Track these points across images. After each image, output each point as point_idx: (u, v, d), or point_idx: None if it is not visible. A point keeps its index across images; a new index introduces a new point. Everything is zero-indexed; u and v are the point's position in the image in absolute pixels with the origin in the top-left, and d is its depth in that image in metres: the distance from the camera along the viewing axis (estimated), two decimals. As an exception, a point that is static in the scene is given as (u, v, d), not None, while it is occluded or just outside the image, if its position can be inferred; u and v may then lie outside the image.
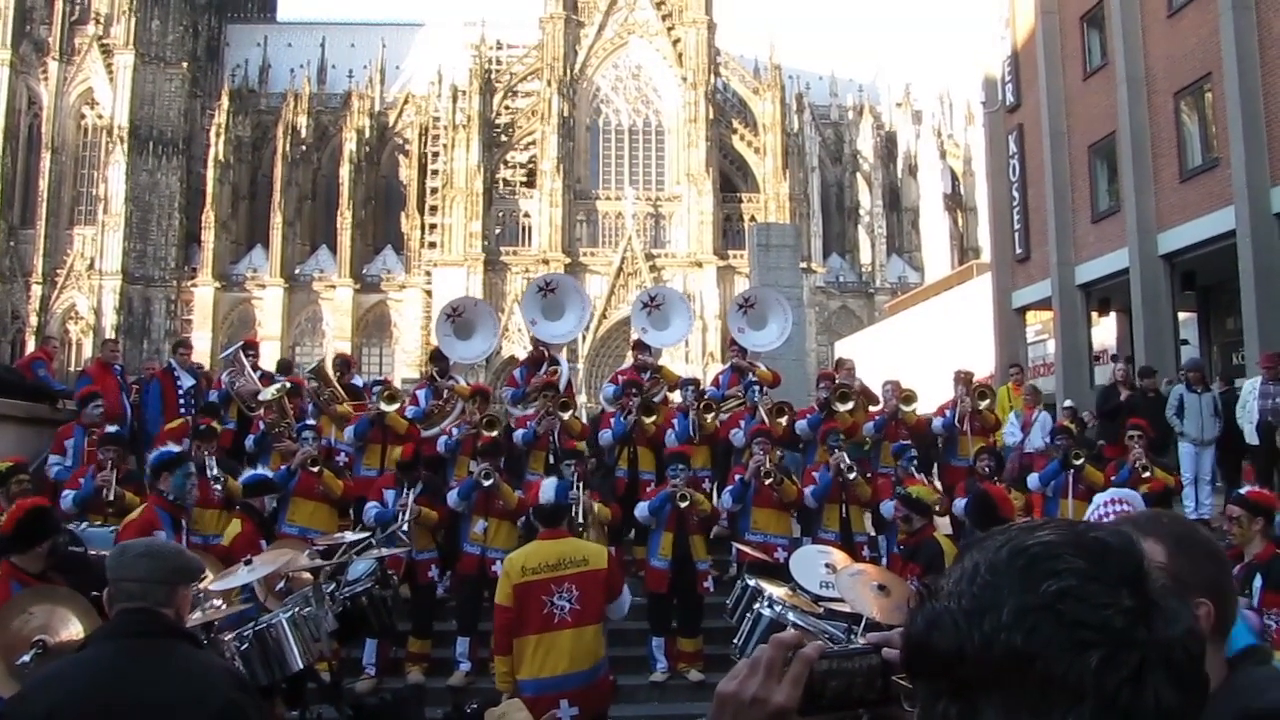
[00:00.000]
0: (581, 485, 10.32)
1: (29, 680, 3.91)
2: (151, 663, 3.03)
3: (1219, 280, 20.25)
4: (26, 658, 4.75)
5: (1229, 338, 21.59)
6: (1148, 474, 11.49)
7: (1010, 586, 1.06)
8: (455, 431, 11.78)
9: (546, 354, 13.61)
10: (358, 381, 14.77)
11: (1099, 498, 6.12)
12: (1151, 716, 1.01)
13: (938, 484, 12.49)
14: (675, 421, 12.47)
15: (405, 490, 10.34)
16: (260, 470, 10.49)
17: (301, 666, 6.46)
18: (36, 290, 73.78)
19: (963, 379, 13.37)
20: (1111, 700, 1.00)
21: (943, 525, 10.99)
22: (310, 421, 11.90)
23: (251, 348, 14.37)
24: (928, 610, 1.12)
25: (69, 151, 77.04)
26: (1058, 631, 1.02)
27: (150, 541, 4.48)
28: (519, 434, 11.93)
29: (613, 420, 12.57)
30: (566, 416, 12.06)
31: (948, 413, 13.12)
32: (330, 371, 13.70)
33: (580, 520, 9.88)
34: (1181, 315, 21.53)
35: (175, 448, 9.27)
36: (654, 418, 12.15)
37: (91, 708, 2.83)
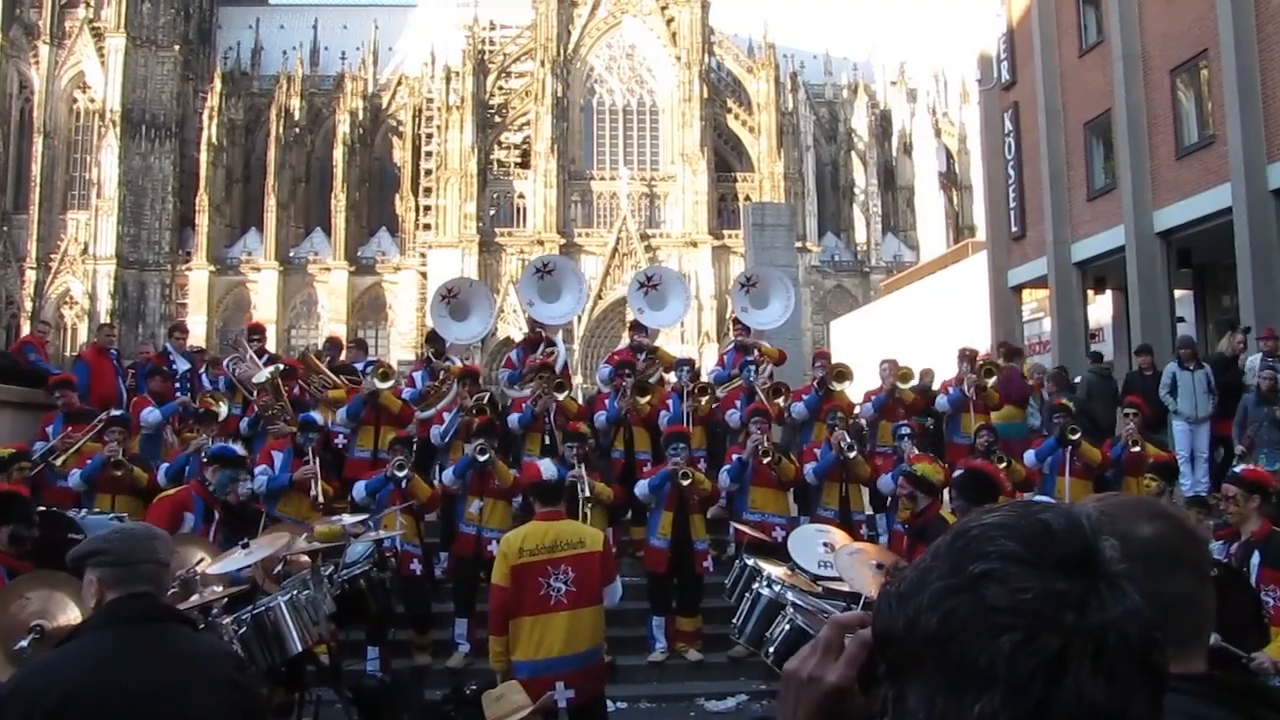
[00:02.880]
0: (584, 466, 10.34)
1: (28, 666, 3.89)
2: (156, 647, 3.00)
3: (1215, 258, 20.24)
4: (24, 643, 4.74)
5: (1225, 315, 21.60)
6: (1138, 449, 11.50)
7: (940, 569, 1.05)
8: (447, 418, 11.76)
9: (543, 335, 13.61)
10: (361, 365, 14.72)
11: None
12: (1074, 710, 0.96)
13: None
14: (669, 403, 12.49)
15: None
16: (229, 445, 10.41)
17: (300, 649, 6.45)
18: (31, 275, 73.61)
19: (968, 356, 13.38)
20: (1024, 687, 0.96)
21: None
22: (314, 415, 11.80)
23: (256, 331, 14.42)
24: (879, 593, 1.13)
25: (61, 136, 76.76)
26: (975, 614, 0.99)
27: (148, 525, 4.47)
28: (514, 417, 11.93)
29: (607, 402, 12.57)
30: (562, 397, 12.07)
31: (952, 389, 13.14)
32: (316, 359, 13.70)
33: (587, 498, 9.90)
34: (1177, 293, 21.52)
35: (240, 449, 9.87)
36: (648, 398, 12.16)
37: (100, 693, 2.81)
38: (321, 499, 10.39)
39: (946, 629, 1.01)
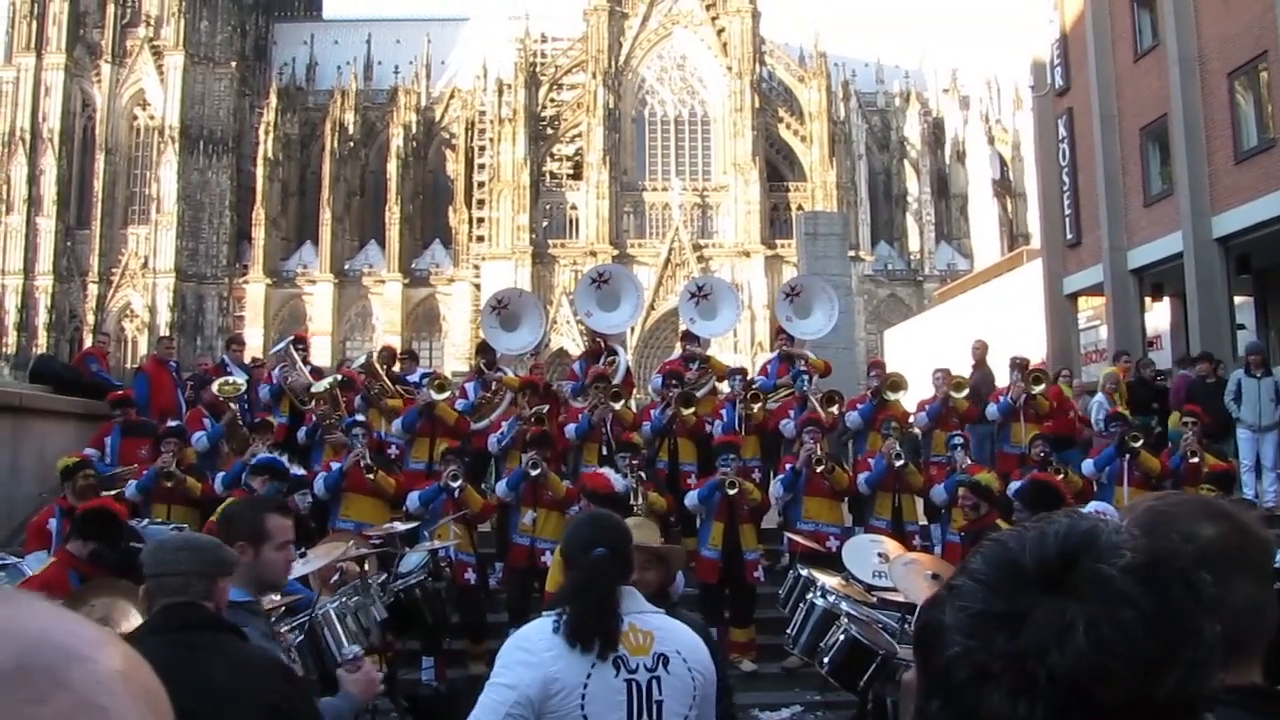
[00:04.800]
0: (639, 476, 10.35)
1: None
2: (200, 656, 3.02)
3: (1276, 263, 19.90)
4: None
5: (1288, 322, 21.26)
6: (1196, 459, 11.34)
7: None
8: (505, 426, 11.83)
9: (604, 345, 13.62)
10: (415, 377, 14.84)
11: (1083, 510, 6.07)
12: None
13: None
14: (723, 412, 12.47)
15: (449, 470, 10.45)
16: (275, 456, 10.59)
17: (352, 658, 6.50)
18: (93, 289, 75.05)
19: (1019, 365, 13.26)
20: (957, 695, 1.01)
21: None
22: (359, 417, 11.99)
23: (301, 342, 14.55)
24: None
25: (122, 152, 78.19)
26: (935, 628, 1.05)
27: (188, 535, 4.53)
28: (571, 427, 11.94)
29: (652, 413, 12.57)
30: (619, 407, 12.08)
31: (1003, 399, 13.02)
32: (378, 365, 13.82)
33: (635, 508, 9.89)
34: (1237, 299, 21.17)
35: (297, 468, 10.06)
36: (692, 409, 12.12)
37: None
38: (370, 465, 10.68)
39: (919, 637, 1.09)
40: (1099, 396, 14.30)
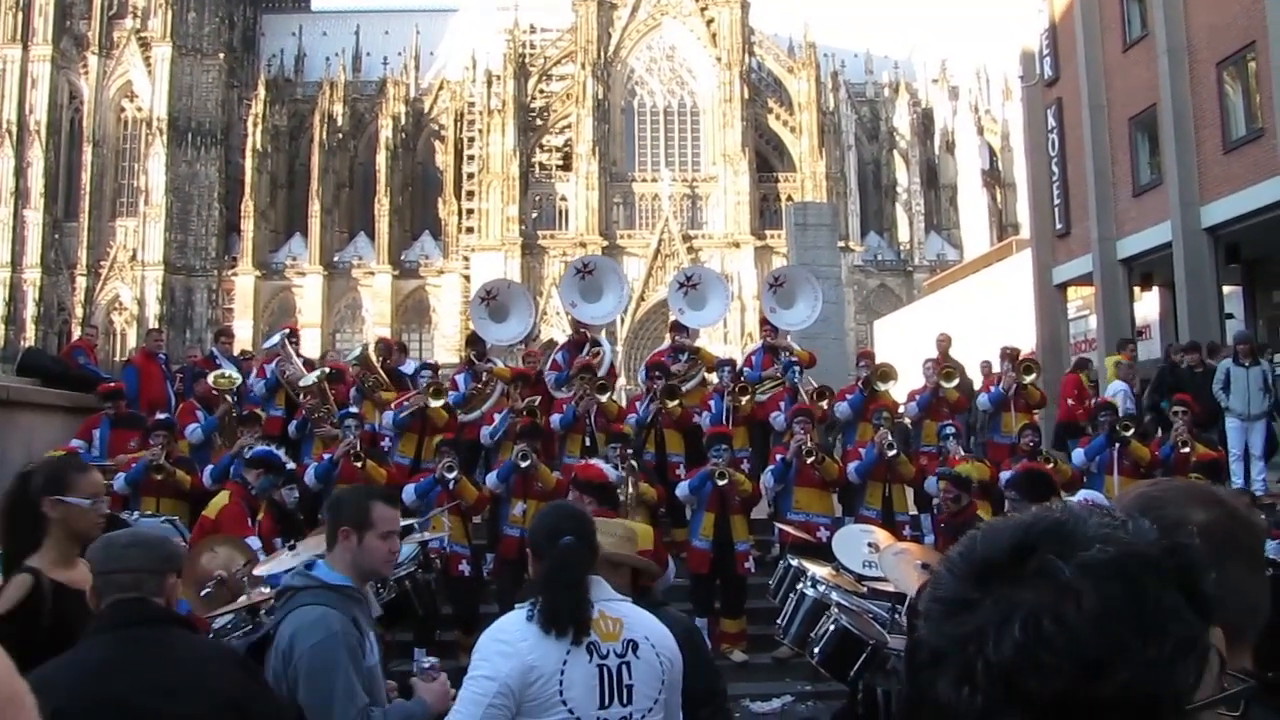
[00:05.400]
0: (629, 466, 10.34)
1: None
2: (153, 651, 2.99)
3: (1265, 253, 19.94)
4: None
5: (1275, 311, 21.29)
6: (1187, 449, 11.37)
7: None
8: (497, 419, 11.83)
9: (588, 336, 13.61)
10: (408, 368, 14.81)
11: (1071, 499, 6.12)
12: (938, 709, 1.01)
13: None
14: (711, 403, 12.47)
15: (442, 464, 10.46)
16: (271, 449, 10.59)
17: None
18: (81, 282, 74.83)
19: (1009, 355, 13.29)
20: (914, 678, 1.04)
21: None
22: (353, 409, 11.99)
23: (293, 335, 14.53)
24: None
25: (110, 144, 77.94)
26: (915, 613, 1.09)
27: (136, 530, 4.51)
28: (556, 418, 11.94)
29: (638, 405, 12.56)
30: (604, 399, 12.07)
31: (994, 388, 13.05)
32: (374, 357, 13.80)
33: (627, 501, 9.88)
34: (1226, 289, 21.22)
35: (288, 461, 10.05)
36: (677, 401, 12.11)
37: (96, 702, 2.80)
38: (359, 454, 10.81)
39: (908, 622, 1.15)
40: (1120, 384, 14.39)
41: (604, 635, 3.29)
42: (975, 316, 31.56)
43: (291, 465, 10.55)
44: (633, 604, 3.55)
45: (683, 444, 12.19)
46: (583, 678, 3.20)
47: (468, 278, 71.78)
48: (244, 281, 76.72)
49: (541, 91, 78.00)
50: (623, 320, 61.01)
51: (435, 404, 12.03)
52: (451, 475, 10.27)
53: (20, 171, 74.50)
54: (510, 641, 3.22)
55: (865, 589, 7.73)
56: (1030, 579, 1.00)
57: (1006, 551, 1.03)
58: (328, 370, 13.07)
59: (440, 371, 14.55)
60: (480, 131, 76.85)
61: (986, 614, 0.99)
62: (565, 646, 3.21)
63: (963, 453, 11.49)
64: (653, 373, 12.55)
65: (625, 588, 4.68)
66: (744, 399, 12.44)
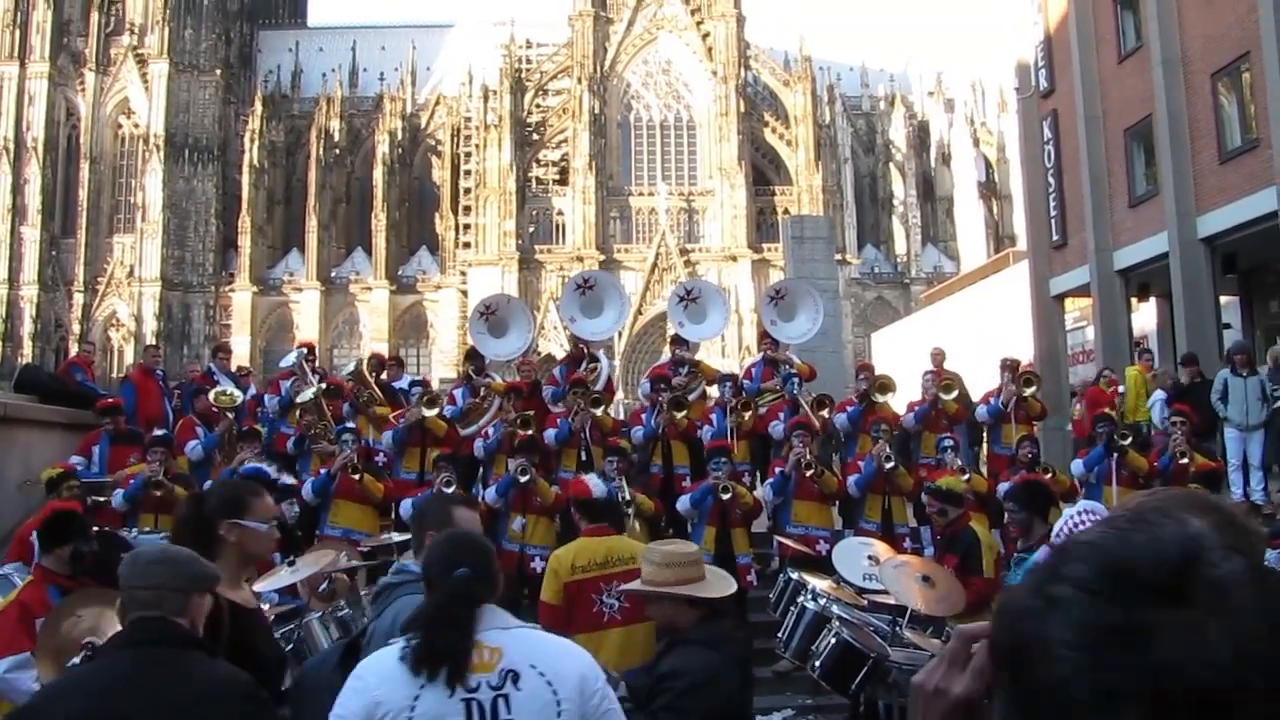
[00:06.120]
0: (625, 480, 10.32)
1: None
2: (164, 673, 2.99)
3: (1261, 263, 19.94)
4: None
5: (1272, 320, 21.29)
6: (1185, 459, 11.37)
7: (1030, 585, 1.05)
8: (492, 432, 11.82)
9: (586, 351, 13.60)
10: (403, 383, 14.81)
11: (1069, 509, 6.15)
12: None
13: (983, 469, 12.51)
14: (713, 417, 12.46)
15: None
16: (262, 465, 10.57)
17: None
18: (78, 298, 74.87)
19: (1009, 366, 13.29)
20: (1072, 718, 0.99)
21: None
22: (349, 424, 11.99)
23: (310, 353, 14.57)
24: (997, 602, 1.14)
25: (107, 161, 78.05)
26: (1040, 640, 0.99)
27: (166, 547, 4.51)
28: (550, 433, 11.92)
29: (644, 417, 12.55)
30: (598, 413, 12.06)
31: (993, 400, 13.05)
32: (367, 373, 13.78)
33: (628, 513, 9.85)
34: (1223, 299, 21.23)
35: (287, 477, 10.09)
36: (684, 413, 12.11)
37: (104, 717, 2.81)
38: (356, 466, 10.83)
39: (1016, 650, 1.00)
40: (1162, 394, 14.55)
41: (475, 666, 3.02)
42: (973, 328, 31.60)
43: (291, 480, 10.53)
44: (530, 628, 3.35)
45: (688, 456, 12.18)
46: (440, 713, 2.95)
47: (465, 293, 71.84)
48: (241, 297, 76.74)
49: (538, 106, 78.15)
50: (620, 334, 60.99)
51: (430, 413, 12.01)
52: (449, 491, 10.26)
53: (17, 188, 74.60)
54: (363, 676, 3.04)
55: (866, 602, 7.72)
56: (1203, 597, 0.95)
57: (1171, 569, 0.97)
58: (325, 386, 13.07)
59: (439, 396, 14.55)
60: (477, 146, 77.00)
61: (1177, 639, 0.93)
62: (420, 681, 2.97)
63: (959, 464, 11.48)
64: (657, 385, 12.56)
65: (676, 618, 4.72)
66: (746, 415, 12.43)
